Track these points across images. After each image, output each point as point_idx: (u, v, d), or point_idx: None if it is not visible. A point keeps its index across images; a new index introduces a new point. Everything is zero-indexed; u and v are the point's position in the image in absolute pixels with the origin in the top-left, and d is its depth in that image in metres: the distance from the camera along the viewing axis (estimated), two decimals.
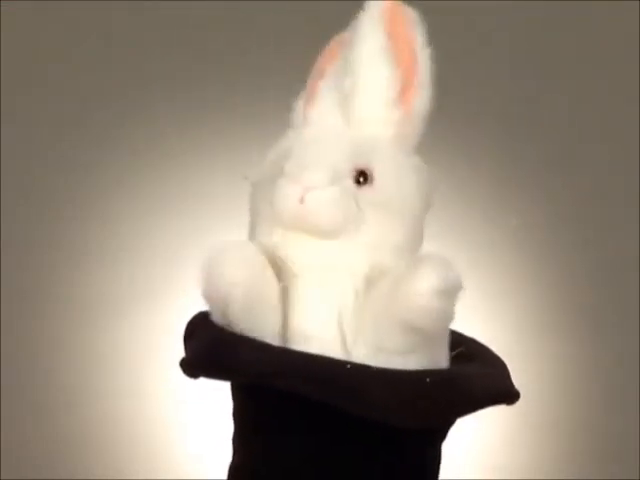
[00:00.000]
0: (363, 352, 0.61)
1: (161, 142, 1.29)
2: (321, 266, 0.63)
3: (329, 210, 0.62)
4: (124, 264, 1.28)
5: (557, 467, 1.28)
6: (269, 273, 0.63)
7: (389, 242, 0.63)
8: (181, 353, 0.65)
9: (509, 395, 0.64)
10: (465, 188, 1.22)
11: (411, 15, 0.66)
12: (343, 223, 0.62)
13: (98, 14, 1.29)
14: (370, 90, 0.65)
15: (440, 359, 0.64)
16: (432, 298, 0.58)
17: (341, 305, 0.62)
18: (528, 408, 0.64)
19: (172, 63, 1.29)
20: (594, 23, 1.29)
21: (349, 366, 0.60)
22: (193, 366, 0.62)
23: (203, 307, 0.71)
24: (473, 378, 0.63)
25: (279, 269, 0.63)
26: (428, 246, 0.67)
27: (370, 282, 0.62)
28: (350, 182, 0.63)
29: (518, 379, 0.67)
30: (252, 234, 0.66)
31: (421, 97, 0.65)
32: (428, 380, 0.60)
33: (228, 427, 0.68)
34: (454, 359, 0.65)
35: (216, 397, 0.95)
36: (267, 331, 0.63)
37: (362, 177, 0.63)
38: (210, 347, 0.63)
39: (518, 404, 0.65)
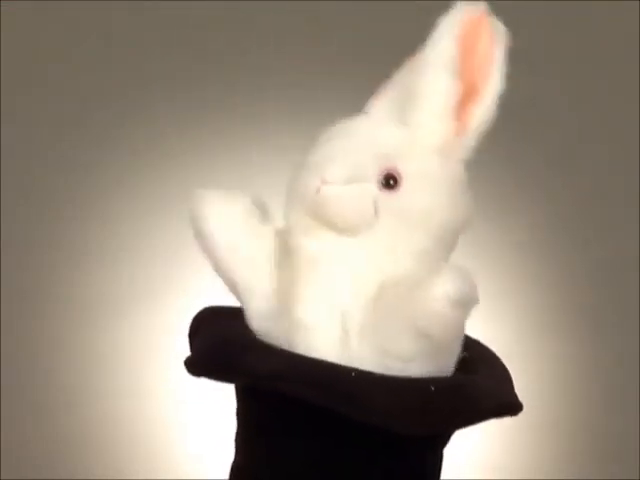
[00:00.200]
0: (367, 353, 0.61)
1: (161, 142, 1.29)
2: (330, 261, 0.62)
3: (340, 207, 0.61)
4: (124, 264, 1.28)
5: (557, 467, 1.28)
6: (259, 230, 0.65)
7: (405, 249, 0.62)
8: (181, 353, 0.65)
9: (513, 408, 0.64)
10: None
11: (496, 31, 0.64)
12: (355, 222, 0.62)
13: (98, 14, 1.28)
14: (426, 96, 0.63)
15: (447, 369, 0.63)
16: (446, 305, 0.58)
17: (345, 302, 0.62)
18: (528, 408, 0.64)
19: (172, 63, 1.29)
20: (594, 23, 1.29)
21: (354, 373, 0.59)
22: (197, 366, 0.62)
23: (205, 304, 0.71)
24: (478, 388, 0.62)
25: (289, 255, 0.63)
26: None
27: (381, 285, 0.61)
28: (373, 183, 0.62)
29: (518, 379, 0.67)
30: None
31: (481, 113, 0.64)
32: (433, 388, 0.60)
33: (228, 427, 0.68)
34: (458, 364, 0.65)
35: (216, 397, 0.95)
36: (257, 287, 0.63)
37: (392, 180, 0.62)
38: (214, 348, 0.63)
39: None
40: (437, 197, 0.63)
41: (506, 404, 0.64)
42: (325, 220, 0.62)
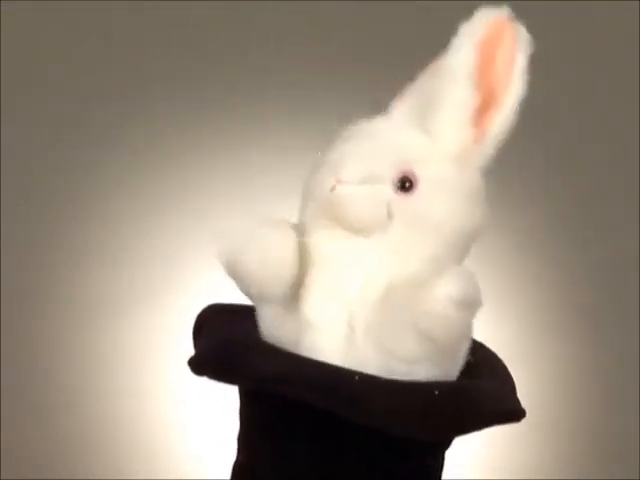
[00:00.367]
0: (372, 354, 0.61)
1: (161, 142, 1.29)
2: (342, 260, 0.62)
3: (354, 206, 0.61)
4: (124, 264, 1.28)
5: (557, 467, 1.28)
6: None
7: (417, 254, 0.62)
8: (181, 353, 0.65)
9: (516, 414, 0.63)
10: None
11: (519, 39, 0.64)
12: (368, 223, 0.61)
13: (98, 14, 1.29)
14: (445, 106, 0.63)
15: (453, 373, 0.63)
16: (448, 306, 0.57)
17: (353, 302, 0.61)
18: (528, 408, 0.64)
19: (172, 63, 1.29)
20: (594, 23, 1.29)
21: (357, 377, 0.59)
22: (201, 366, 0.62)
23: (205, 304, 0.71)
24: (481, 394, 0.62)
25: (301, 252, 0.63)
26: None
27: (390, 287, 0.61)
28: (388, 185, 0.62)
29: (518, 379, 0.67)
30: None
31: (500, 121, 0.64)
32: (436, 392, 0.59)
33: (228, 427, 0.68)
34: (462, 368, 0.64)
35: (216, 397, 0.95)
36: (274, 295, 0.62)
37: (408, 183, 0.62)
38: (218, 349, 0.63)
39: None
40: (452, 203, 0.63)
41: (509, 411, 0.63)
42: (338, 219, 0.62)
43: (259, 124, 1.27)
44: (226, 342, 0.63)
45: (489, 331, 0.74)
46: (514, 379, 0.67)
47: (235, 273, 0.62)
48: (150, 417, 1.27)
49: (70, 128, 1.28)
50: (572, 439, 1.28)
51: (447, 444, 0.65)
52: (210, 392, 0.94)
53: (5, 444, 1.26)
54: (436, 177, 0.63)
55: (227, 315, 0.68)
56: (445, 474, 0.66)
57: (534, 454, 1.27)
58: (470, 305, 0.58)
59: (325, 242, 0.63)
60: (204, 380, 0.62)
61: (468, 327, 0.61)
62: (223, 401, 0.69)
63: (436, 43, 0.65)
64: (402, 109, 0.66)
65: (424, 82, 0.66)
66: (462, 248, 0.64)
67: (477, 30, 0.63)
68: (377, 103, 0.67)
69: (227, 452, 0.67)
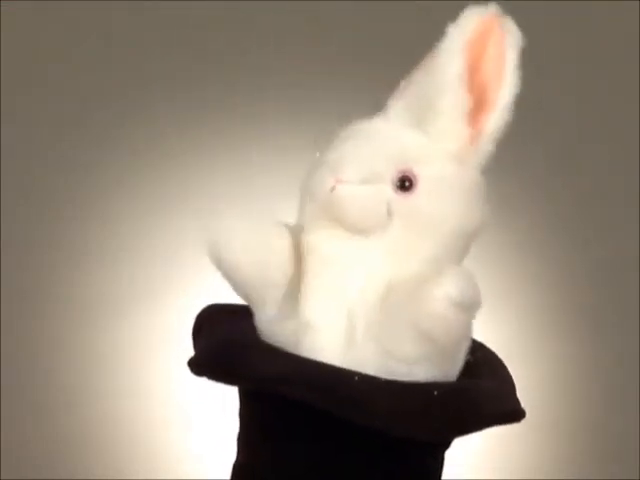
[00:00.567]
0: (372, 354, 0.61)
1: (161, 142, 1.29)
2: (341, 260, 0.62)
3: (354, 206, 0.61)
4: (124, 264, 1.28)
5: (557, 467, 1.28)
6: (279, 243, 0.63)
7: (416, 253, 0.62)
8: (181, 353, 0.65)
9: (516, 415, 0.63)
10: None
11: (510, 35, 0.63)
12: (368, 223, 0.62)
13: (98, 14, 1.29)
14: (438, 108, 0.63)
15: (453, 373, 0.63)
16: (447, 306, 0.57)
17: (353, 303, 0.61)
18: (528, 408, 0.64)
19: (172, 63, 1.29)
20: (594, 23, 1.29)
21: (357, 377, 0.59)
22: (200, 367, 0.62)
23: (205, 304, 0.71)
24: (481, 394, 0.62)
25: (301, 253, 0.63)
26: None
27: (390, 287, 0.61)
28: (388, 186, 0.62)
29: (518, 379, 0.67)
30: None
31: (495, 118, 0.64)
32: (436, 393, 0.59)
33: (228, 427, 0.68)
34: (462, 368, 0.64)
35: (216, 397, 0.95)
36: (269, 295, 0.63)
37: (408, 182, 0.62)
38: (218, 349, 0.63)
39: None
40: (451, 203, 0.63)
41: (509, 412, 0.63)
42: (339, 219, 0.62)
43: (259, 124, 1.27)
44: (226, 342, 0.63)
45: (489, 331, 0.74)
46: (514, 379, 0.67)
47: (229, 277, 0.63)
48: (150, 417, 1.27)
49: (70, 128, 1.29)
50: (572, 439, 1.28)
51: (447, 444, 0.65)
52: (210, 392, 0.94)
53: (5, 444, 1.26)
54: (435, 176, 0.63)
55: (227, 315, 0.68)
56: (445, 474, 0.66)
57: (534, 454, 1.27)
58: (470, 306, 0.58)
59: (325, 242, 0.63)
60: (204, 380, 0.62)
61: (468, 328, 0.61)
62: (223, 401, 0.69)
63: (436, 43, 0.65)
64: (398, 108, 0.66)
65: (418, 80, 0.66)
66: (462, 247, 0.64)
67: (465, 30, 0.63)
68: (377, 103, 0.67)
69: (227, 452, 0.67)
